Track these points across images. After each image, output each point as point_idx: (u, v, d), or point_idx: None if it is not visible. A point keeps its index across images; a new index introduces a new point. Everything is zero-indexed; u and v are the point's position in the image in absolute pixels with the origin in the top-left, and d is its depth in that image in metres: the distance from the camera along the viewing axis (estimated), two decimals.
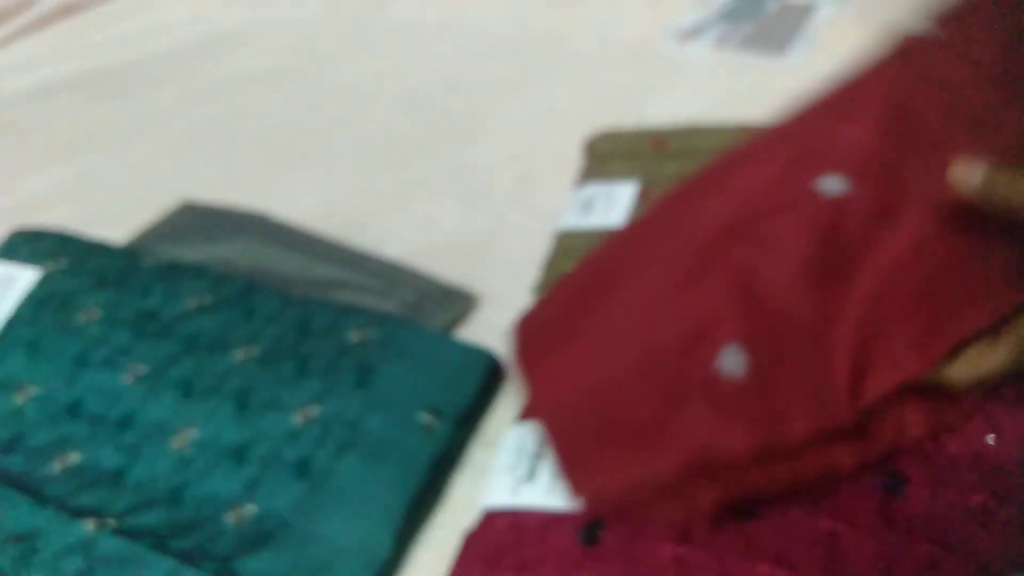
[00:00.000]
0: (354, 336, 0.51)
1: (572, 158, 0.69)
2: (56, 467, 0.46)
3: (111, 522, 0.42)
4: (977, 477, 0.37)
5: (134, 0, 1.17)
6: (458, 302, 0.56)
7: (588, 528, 0.38)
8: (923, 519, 0.36)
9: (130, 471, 0.45)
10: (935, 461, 0.38)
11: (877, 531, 0.36)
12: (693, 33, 0.88)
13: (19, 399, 0.50)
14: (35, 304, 0.56)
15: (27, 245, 0.61)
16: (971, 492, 0.37)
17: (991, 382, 0.36)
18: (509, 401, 0.49)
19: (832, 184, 0.39)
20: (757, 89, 0.76)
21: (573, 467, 0.38)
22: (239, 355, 0.51)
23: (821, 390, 0.35)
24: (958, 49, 0.45)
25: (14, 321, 0.55)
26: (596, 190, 0.62)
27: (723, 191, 0.42)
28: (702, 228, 0.40)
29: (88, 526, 0.42)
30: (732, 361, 0.35)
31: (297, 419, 0.46)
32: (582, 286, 0.44)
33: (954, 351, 0.35)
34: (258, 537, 0.41)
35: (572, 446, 0.38)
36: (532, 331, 0.44)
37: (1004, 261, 0.36)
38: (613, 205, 0.59)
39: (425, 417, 0.46)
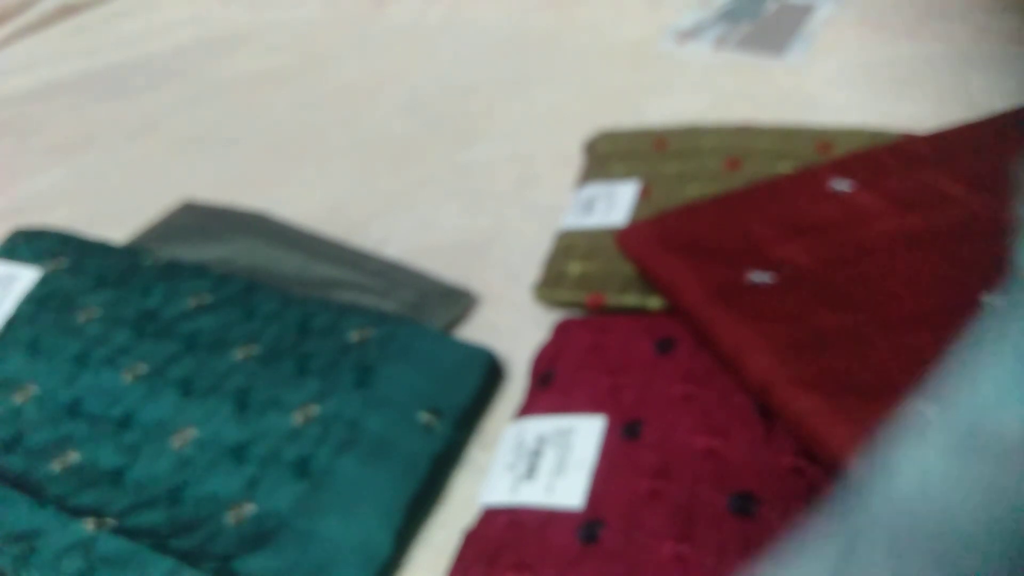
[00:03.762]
0: (354, 336, 0.51)
1: (572, 158, 0.69)
2: (56, 467, 0.46)
3: (111, 522, 0.42)
4: None
5: (134, 1, 1.17)
6: (458, 302, 0.56)
7: (587, 526, 0.38)
8: None
9: (130, 471, 0.45)
10: None
11: None
12: (692, 33, 0.88)
13: (19, 399, 0.50)
14: (35, 303, 0.56)
15: (28, 244, 0.61)
16: None
17: None
18: (509, 400, 0.49)
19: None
20: (756, 89, 0.76)
21: None
22: (239, 354, 0.51)
23: None
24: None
25: (14, 320, 0.55)
26: (597, 190, 0.62)
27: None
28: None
29: (88, 526, 0.42)
30: None
31: (297, 419, 0.46)
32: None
33: None
34: (258, 537, 0.41)
35: None
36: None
37: None
38: (614, 205, 0.59)
39: (425, 417, 0.46)
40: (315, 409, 0.47)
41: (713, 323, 0.45)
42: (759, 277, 0.47)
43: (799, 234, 0.50)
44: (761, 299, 0.45)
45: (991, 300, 0.43)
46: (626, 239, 0.52)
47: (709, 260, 0.48)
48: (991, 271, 0.46)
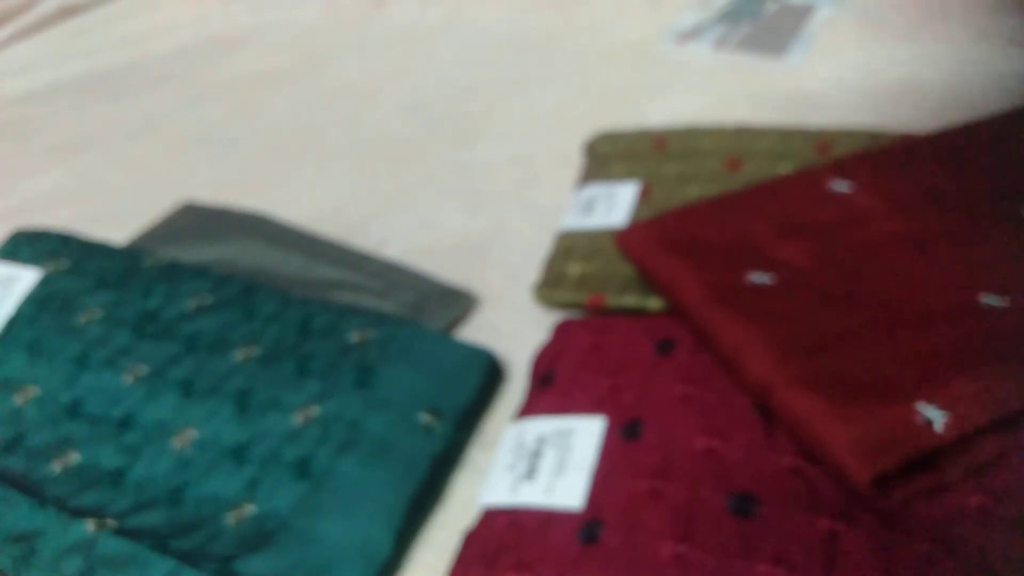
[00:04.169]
0: (354, 336, 0.51)
1: (572, 159, 0.69)
2: (56, 467, 0.46)
3: (111, 522, 0.42)
4: (976, 477, 0.37)
5: (135, 1, 1.18)
6: (458, 302, 0.56)
7: (587, 527, 0.38)
8: (923, 519, 0.36)
9: (130, 471, 0.46)
10: None
11: (877, 531, 0.36)
12: (692, 34, 0.88)
13: (19, 399, 0.50)
14: (36, 304, 0.56)
15: (28, 245, 0.61)
16: (970, 492, 0.37)
17: None
18: (509, 401, 0.49)
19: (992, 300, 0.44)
20: (756, 90, 0.76)
21: None
22: (239, 355, 0.51)
23: None
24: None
25: (15, 321, 0.55)
26: (597, 191, 0.62)
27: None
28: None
29: (88, 526, 0.42)
30: None
31: (297, 419, 0.46)
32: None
33: None
34: (258, 537, 0.41)
35: None
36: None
37: None
38: (614, 206, 0.59)
39: (425, 417, 0.46)
40: (315, 410, 0.47)
41: (712, 324, 0.45)
42: (759, 278, 0.47)
43: (798, 235, 0.50)
44: (760, 300, 0.45)
45: (990, 301, 0.44)
46: (625, 240, 0.52)
47: (709, 261, 0.48)
48: (990, 272, 0.46)
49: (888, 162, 0.55)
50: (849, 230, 0.50)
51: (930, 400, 0.38)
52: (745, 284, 0.46)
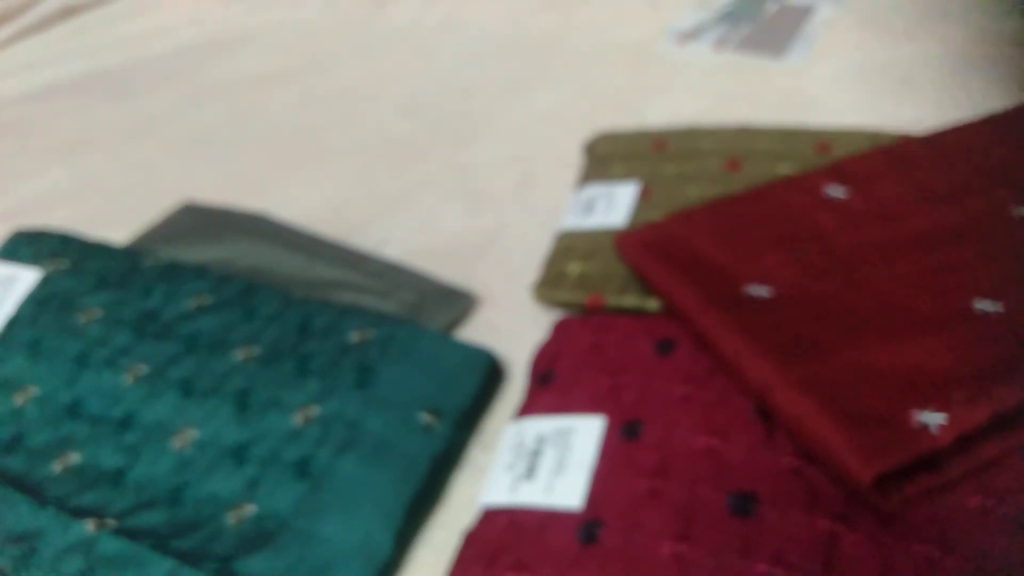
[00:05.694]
0: (354, 336, 0.51)
1: (572, 159, 0.69)
2: (56, 467, 0.46)
3: (111, 522, 0.42)
4: (975, 477, 0.37)
5: (135, 2, 1.18)
6: (458, 302, 0.56)
7: (587, 526, 0.38)
8: (922, 519, 0.36)
9: (130, 471, 0.46)
10: None
11: (876, 531, 0.36)
12: (692, 34, 0.88)
13: (19, 399, 0.50)
14: (36, 304, 0.56)
15: (28, 245, 0.61)
16: (970, 493, 0.37)
17: None
18: (509, 401, 0.49)
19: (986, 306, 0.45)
20: (756, 90, 0.76)
21: None
22: (239, 355, 0.51)
23: None
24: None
25: (15, 321, 0.55)
26: (597, 191, 0.62)
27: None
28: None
29: (88, 526, 0.42)
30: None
31: (297, 419, 0.46)
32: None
33: None
34: (258, 537, 0.41)
35: None
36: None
37: None
38: (614, 206, 0.59)
39: (425, 417, 0.46)
40: (315, 410, 0.47)
41: (711, 333, 0.45)
42: (756, 291, 0.47)
43: (795, 244, 0.50)
44: (758, 312, 0.45)
45: (983, 306, 0.44)
46: (624, 246, 0.52)
47: (706, 273, 0.48)
48: (983, 277, 0.46)
49: (883, 166, 0.55)
50: (844, 236, 0.50)
51: (925, 405, 0.38)
52: (743, 296, 0.47)
